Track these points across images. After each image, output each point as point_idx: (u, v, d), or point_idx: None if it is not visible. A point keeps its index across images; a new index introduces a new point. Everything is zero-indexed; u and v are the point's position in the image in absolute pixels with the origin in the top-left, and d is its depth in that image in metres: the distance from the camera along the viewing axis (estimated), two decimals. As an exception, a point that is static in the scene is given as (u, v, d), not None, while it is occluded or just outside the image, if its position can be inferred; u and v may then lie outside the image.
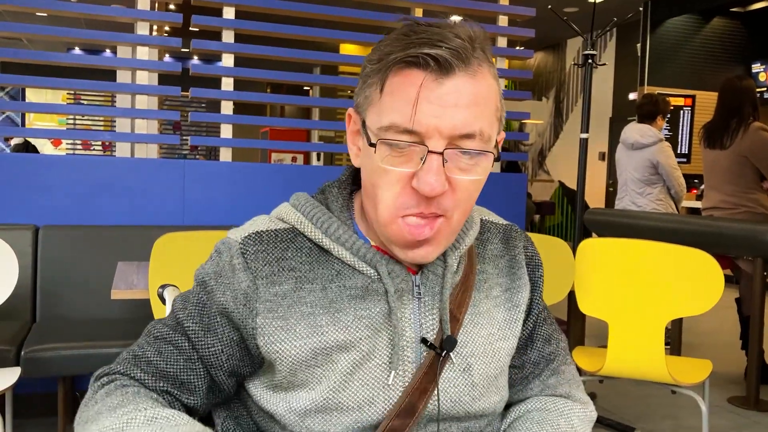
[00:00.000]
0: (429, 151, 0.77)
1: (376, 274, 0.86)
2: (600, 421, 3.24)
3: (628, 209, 4.77)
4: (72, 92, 11.63)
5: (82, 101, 12.13)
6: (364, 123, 0.83)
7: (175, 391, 0.86)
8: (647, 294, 2.32)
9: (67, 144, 12.37)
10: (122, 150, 3.75)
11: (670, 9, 9.28)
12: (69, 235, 3.05)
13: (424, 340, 0.85)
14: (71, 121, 12.10)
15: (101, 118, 12.10)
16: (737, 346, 4.23)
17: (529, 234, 2.72)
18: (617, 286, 2.38)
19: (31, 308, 2.99)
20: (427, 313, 0.87)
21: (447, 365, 0.87)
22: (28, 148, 6.63)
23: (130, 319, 2.99)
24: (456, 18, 0.86)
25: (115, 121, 11.55)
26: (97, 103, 12.03)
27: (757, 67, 9.74)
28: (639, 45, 9.52)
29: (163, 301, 1.22)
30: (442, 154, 0.77)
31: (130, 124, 3.84)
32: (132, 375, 0.86)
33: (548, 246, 2.51)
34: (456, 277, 0.90)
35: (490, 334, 0.92)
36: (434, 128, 0.76)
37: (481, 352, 0.90)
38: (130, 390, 0.83)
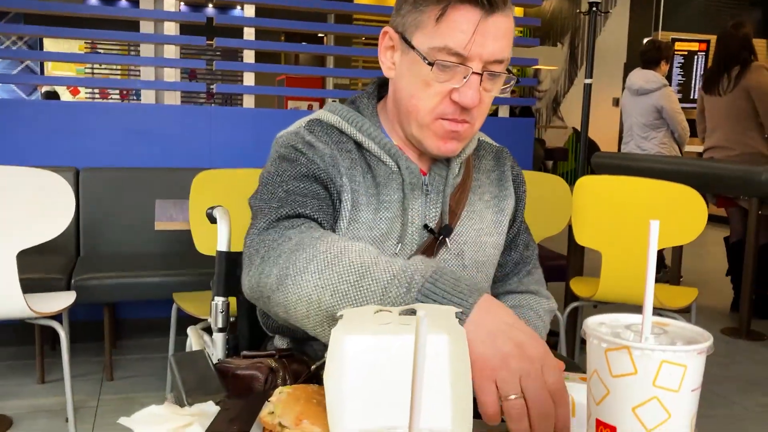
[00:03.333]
0: (473, 72, 0.97)
1: (396, 166, 1.07)
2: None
3: (632, 153, 4.95)
4: (89, 41, 11.76)
5: (99, 50, 12.26)
6: (410, 42, 0.99)
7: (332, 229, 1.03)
8: (637, 226, 2.54)
9: (85, 92, 12.55)
10: (147, 97, 3.96)
11: (687, -48, 9.22)
12: (107, 177, 3.30)
13: (425, 226, 1.06)
14: (89, 70, 12.26)
15: (118, 67, 12.26)
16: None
17: (536, 173, 2.93)
18: (610, 220, 2.60)
19: (75, 243, 3.26)
20: (432, 206, 1.07)
21: (443, 249, 1.08)
22: (53, 95, 6.85)
23: (166, 252, 3.25)
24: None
25: (130, 70, 11.66)
26: (114, 52, 12.16)
27: (772, 11, 9.67)
28: (654, -12, 9.47)
29: (213, 220, 1.45)
30: (481, 74, 0.97)
31: (154, 72, 4.04)
32: (305, 214, 0.98)
33: (548, 183, 2.72)
34: (456, 180, 1.11)
35: (480, 228, 1.13)
36: (477, 54, 0.96)
37: (472, 241, 1.11)
38: (321, 229, 0.95)
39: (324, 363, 0.99)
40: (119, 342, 3.37)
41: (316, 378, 1.00)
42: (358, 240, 1.03)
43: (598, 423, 0.60)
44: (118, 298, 2.92)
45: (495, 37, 0.97)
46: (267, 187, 1.03)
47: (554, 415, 0.69)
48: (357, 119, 1.09)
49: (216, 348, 1.31)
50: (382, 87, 1.16)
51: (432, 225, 1.07)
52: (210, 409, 0.82)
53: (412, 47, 0.99)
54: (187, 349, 2.21)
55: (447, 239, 1.08)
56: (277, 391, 0.78)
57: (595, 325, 0.62)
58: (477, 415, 0.71)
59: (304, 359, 1.03)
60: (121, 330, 3.46)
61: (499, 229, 1.17)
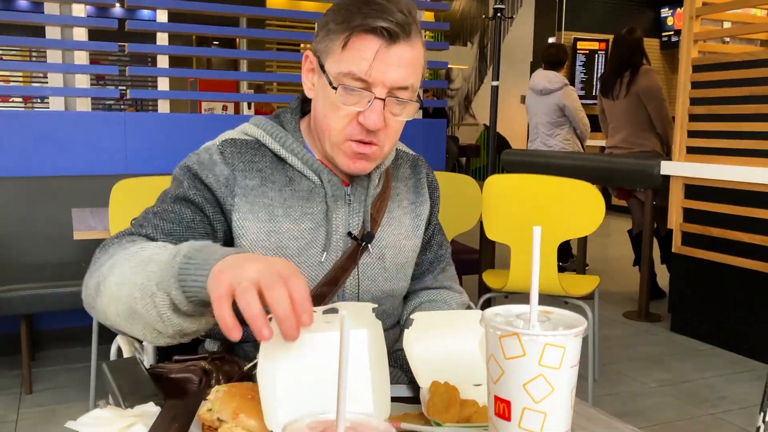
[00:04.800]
0: (375, 97, 1.04)
1: (319, 180, 1.14)
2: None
3: (539, 150, 5.20)
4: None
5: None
6: (322, 66, 1.08)
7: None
8: (542, 220, 2.71)
9: (-16, 97, 12.01)
10: (55, 104, 3.87)
11: (586, -45, 9.67)
12: (17, 186, 3.23)
13: (349, 234, 1.16)
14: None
15: (20, 73, 11.76)
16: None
17: (448, 173, 3.05)
18: (517, 215, 2.77)
19: (-15, 256, 3.18)
20: (354, 215, 1.16)
21: (366, 254, 1.17)
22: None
23: (86, 261, 3.20)
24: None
25: (33, 75, 11.16)
26: (15, 57, 11.68)
27: (665, 12, 10.28)
28: (558, -9, 9.89)
29: (139, 230, 1.48)
30: (384, 100, 1.05)
31: (63, 78, 3.95)
32: (141, 233, 1.06)
33: (459, 183, 2.86)
34: (377, 190, 1.20)
35: (399, 233, 1.23)
36: (380, 81, 1.04)
37: (392, 245, 1.21)
38: (140, 240, 1.03)
39: (255, 364, 1.07)
40: (37, 354, 3.31)
41: (248, 378, 1.07)
42: (284, 249, 1.11)
43: (496, 399, 0.71)
44: (36, 309, 2.87)
45: (398, 65, 1.05)
46: (154, 202, 1.13)
47: (288, 296, 0.72)
48: (280, 134, 1.16)
49: (147, 354, 1.35)
50: (305, 102, 1.22)
51: (355, 232, 1.16)
52: (151, 409, 0.88)
53: (324, 71, 1.08)
54: (113, 357, 2.23)
55: (369, 245, 1.18)
56: (213, 389, 0.85)
57: (491, 315, 0.73)
58: (396, 398, 0.81)
59: (235, 360, 1.10)
60: (39, 341, 3.39)
61: (417, 232, 1.27)
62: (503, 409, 0.70)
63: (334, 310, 0.85)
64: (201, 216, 1.10)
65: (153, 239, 1.05)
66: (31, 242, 3.23)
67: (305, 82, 1.15)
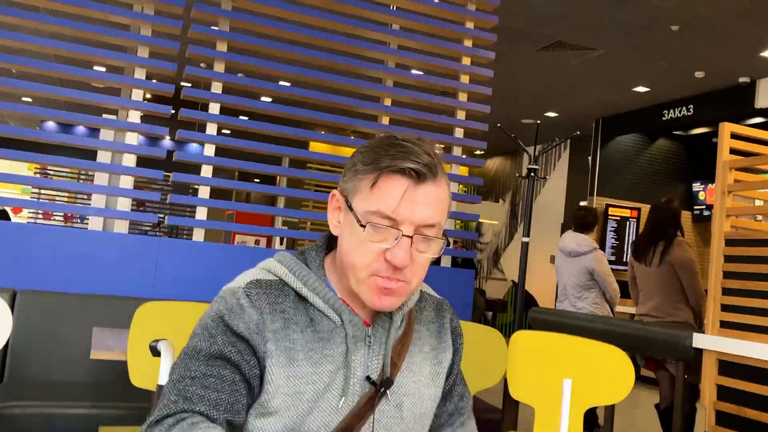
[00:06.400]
0: (403, 235, 1.06)
1: (340, 320, 1.12)
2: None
3: (567, 310, 5.12)
4: (40, 165, 11.81)
5: (48, 171, 12.31)
6: (349, 205, 1.10)
7: (230, 417, 1.04)
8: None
9: (29, 212, 12.46)
10: (94, 223, 3.97)
11: (620, 127, 10.01)
12: (45, 300, 3.24)
13: (368, 378, 1.12)
14: (36, 192, 12.22)
15: (66, 191, 12.23)
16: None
17: (474, 324, 2.99)
18: (544, 375, 2.67)
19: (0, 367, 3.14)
20: (374, 357, 1.13)
21: (384, 400, 1.13)
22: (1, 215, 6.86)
23: (97, 383, 3.15)
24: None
25: (77, 194, 11.58)
26: (64, 177, 12.24)
27: (697, 186, 10.44)
28: (590, 158, 10.17)
29: (157, 353, 1.46)
30: (411, 237, 1.07)
31: (106, 199, 4.08)
32: (194, 410, 1.02)
33: (485, 336, 2.81)
34: (398, 332, 1.17)
35: (419, 380, 1.18)
36: (408, 219, 1.06)
37: (411, 393, 1.16)
38: (202, 425, 0.98)
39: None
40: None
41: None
42: (301, 394, 1.07)
43: None
44: (39, 429, 2.78)
45: (425, 204, 1.08)
46: (184, 360, 1.09)
47: None
48: (303, 273, 1.15)
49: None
50: (332, 239, 1.23)
51: (374, 376, 1.13)
52: None
53: (351, 209, 1.10)
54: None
55: (387, 391, 1.13)
56: None
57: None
58: None
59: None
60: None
61: (437, 381, 1.23)
62: None
63: None
64: (239, 375, 1.07)
65: (207, 416, 1.02)
66: (47, 358, 3.19)
67: (331, 219, 1.17)
